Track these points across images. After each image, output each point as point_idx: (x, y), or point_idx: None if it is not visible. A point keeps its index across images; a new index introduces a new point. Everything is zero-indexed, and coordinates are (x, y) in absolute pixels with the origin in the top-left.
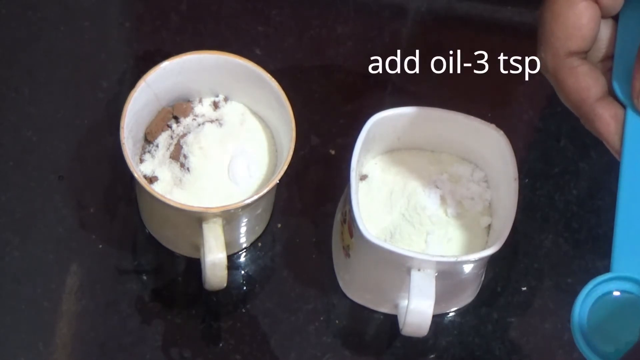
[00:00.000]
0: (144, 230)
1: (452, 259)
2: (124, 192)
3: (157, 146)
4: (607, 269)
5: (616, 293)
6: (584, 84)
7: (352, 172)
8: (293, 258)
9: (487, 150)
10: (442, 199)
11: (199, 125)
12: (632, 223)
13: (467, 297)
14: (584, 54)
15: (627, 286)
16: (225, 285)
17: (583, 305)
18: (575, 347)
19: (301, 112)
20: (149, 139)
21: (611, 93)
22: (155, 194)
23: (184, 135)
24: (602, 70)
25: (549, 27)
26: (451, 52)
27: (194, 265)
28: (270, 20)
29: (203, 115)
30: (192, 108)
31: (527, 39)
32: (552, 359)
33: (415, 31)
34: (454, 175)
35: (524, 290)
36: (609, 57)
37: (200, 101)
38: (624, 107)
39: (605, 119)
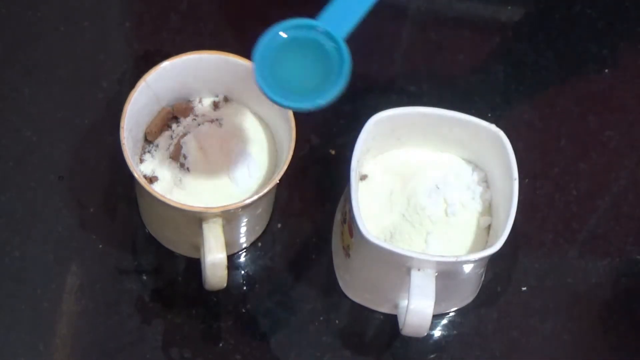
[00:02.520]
0: (144, 230)
1: (452, 259)
2: (124, 192)
3: (157, 146)
4: (606, 269)
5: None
6: None
7: (352, 172)
8: (293, 258)
9: (487, 150)
10: (442, 199)
11: (199, 125)
12: None
13: (467, 297)
14: None
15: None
16: (225, 285)
17: (270, 43)
18: (576, 347)
19: (301, 112)
20: (149, 139)
21: None
22: (155, 194)
23: (184, 135)
24: None
25: None
26: (451, 52)
27: (194, 265)
28: (270, 20)
29: (203, 115)
30: (192, 108)
31: (527, 38)
32: (552, 359)
33: (415, 31)
34: (454, 175)
35: (524, 290)
36: None
37: (200, 101)
38: None
39: None
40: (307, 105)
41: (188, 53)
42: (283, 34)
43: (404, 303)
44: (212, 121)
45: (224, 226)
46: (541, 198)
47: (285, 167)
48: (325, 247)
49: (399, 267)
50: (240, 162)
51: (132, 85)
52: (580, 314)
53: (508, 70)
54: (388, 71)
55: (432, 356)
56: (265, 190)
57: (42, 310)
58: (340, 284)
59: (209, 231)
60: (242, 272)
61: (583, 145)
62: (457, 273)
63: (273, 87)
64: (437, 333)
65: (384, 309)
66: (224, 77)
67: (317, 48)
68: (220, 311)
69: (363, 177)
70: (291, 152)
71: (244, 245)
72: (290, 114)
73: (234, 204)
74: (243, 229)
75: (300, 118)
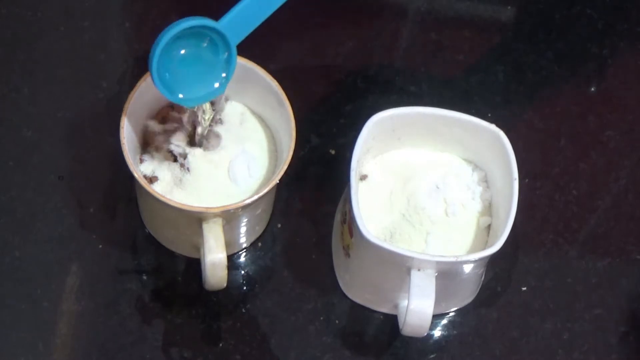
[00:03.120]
0: (144, 230)
1: (452, 259)
2: (124, 192)
3: (157, 146)
4: (605, 269)
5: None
6: None
7: (352, 172)
8: (293, 258)
9: (487, 150)
10: (442, 199)
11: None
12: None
13: (467, 297)
14: None
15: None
16: (225, 285)
17: (169, 46)
18: (575, 346)
19: (301, 112)
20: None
21: None
22: (155, 194)
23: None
24: None
25: None
26: (451, 52)
27: (194, 265)
28: (270, 20)
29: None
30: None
31: (527, 38)
32: (552, 359)
33: (415, 31)
34: (454, 175)
35: (524, 290)
36: None
37: None
38: None
39: None
40: (182, 102)
41: None
42: (183, 30)
43: (404, 303)
44: (212, 121)
45: (224, 226)
46: (541, 198)
47: (285, 167)
48: (325, 247)
49: (399, 267)
50: (240, 162)
51: (132, 85)
52: (580, 314)
53: (508, 70)
54: (388, 71)
55: (432, 356)
56: (265, 190)
57: (42, 310)
58: (340, 284)
59: (209, 231)
60: (242, 272)
61: (583, 145)
62: (457, 273)
63: (163, 75)
64: (437, 333)
65: (384, 309)
66: None
67: (212, 50)
68: (220, 311)
69: (363, 177)
70: (291, 152)
71: (244, 245)
72: (291, 114)
73: (234, 204)
74: (243, 229)
75: (300, 118)
